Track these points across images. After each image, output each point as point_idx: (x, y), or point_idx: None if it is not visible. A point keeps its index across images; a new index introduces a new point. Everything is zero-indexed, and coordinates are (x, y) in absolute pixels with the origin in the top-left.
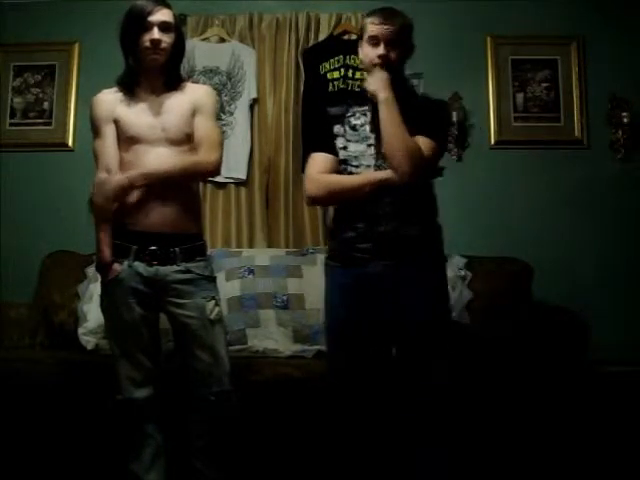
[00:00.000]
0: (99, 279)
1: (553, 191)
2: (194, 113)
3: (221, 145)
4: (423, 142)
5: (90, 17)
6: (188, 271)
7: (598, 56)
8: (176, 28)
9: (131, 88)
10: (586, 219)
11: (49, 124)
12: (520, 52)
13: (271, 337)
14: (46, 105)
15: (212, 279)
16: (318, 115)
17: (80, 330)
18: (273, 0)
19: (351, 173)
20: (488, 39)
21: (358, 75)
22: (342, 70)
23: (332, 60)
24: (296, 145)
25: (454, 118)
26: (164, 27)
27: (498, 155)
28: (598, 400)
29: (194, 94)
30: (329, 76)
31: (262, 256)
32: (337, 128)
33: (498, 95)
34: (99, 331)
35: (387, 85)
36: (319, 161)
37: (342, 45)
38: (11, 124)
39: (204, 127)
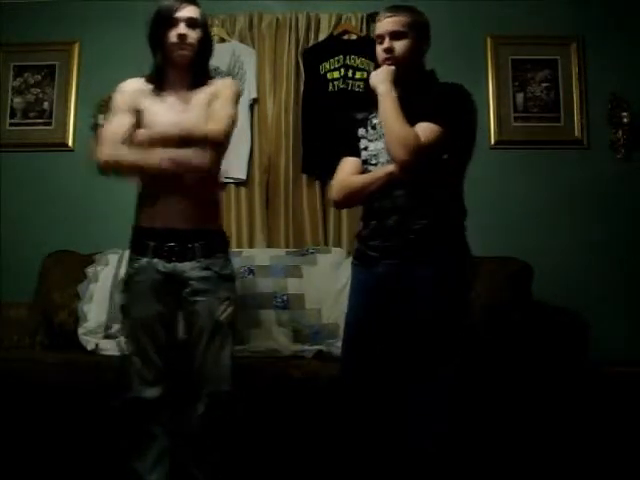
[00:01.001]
0: (100, 279)
1: (553, 191)
2: (211, 103)
3: (230, 119)
4: (423, 127)
5: (90, 17)
6: (207, 268)
7: (598, 56)
8: (203, 25)
9: (159, 85)
10: (586, 219)
11: (49, 124)
12: (520, 52)
13: (271, 337)
14: (46, 105)
15: (230, 278)
16: (345, 120)
17: (80, 330)
18: (273, 0)
19: (370, 172)
20: (488, 39)
21: (358, 75)
22: (342, 70)
23: (332, 60)
24: (296, 145)
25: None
26: (191, 23)
27: (498, 155)
28: (598, 400)
29: (214, 87)
30: (329, 76)
31: (262, 256)
32: (361, 131)
33: (498, 95)
34: (99, 331)
35: (388, 78)
36: (346, 165)
37: (342, 45)
38: (11, 124)
39: (216, 105)
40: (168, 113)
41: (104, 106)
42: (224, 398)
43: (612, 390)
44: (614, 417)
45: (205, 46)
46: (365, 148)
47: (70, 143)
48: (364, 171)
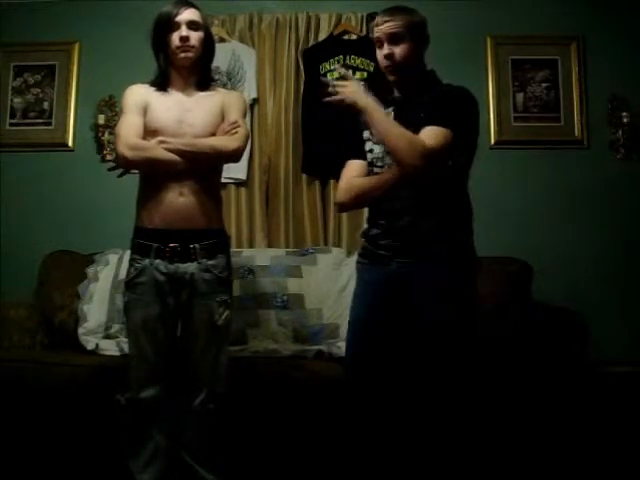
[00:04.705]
0: (100, 279)
1: (553, 191)
2: (222, 114)
3: (246, 137)
4: (430, 131)
5: (90, 17)
6: (207, 270)
7: (598, 56)
8: (205, 28)
9: (164, 88)
10: (586, 219)
11: (49, 124)
12: (520, 52)
13: (271, 337)
14: (46, 105)
15: (228, 281)
16: (351, 123)
17: (80, 330)
18: (273, 0)
19: (376, 174)
20: (488, 39)
21: (358, 75)
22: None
23: (332, 60)
24: (296, 145)
25: None
26: (192, 25)
27: (498, 155)
28: (598, 400)
29: (224, 96)
30: (329, 76)
31: (262, 256)
32: (366, 133)
33: (498, 95)
34: (99, 331)
35: (361, 91)
36: (352, 168)
37: (342, 45)
38: (11, 124)
39: (232, 119)
40: (172, 110)
41: (104, 106)
42: (219, 397)
43: (612, 390)
44: (614, 417)
45: (208, 47)
46: (370, 150)
47: (70, 143)
48: (369, 173)
